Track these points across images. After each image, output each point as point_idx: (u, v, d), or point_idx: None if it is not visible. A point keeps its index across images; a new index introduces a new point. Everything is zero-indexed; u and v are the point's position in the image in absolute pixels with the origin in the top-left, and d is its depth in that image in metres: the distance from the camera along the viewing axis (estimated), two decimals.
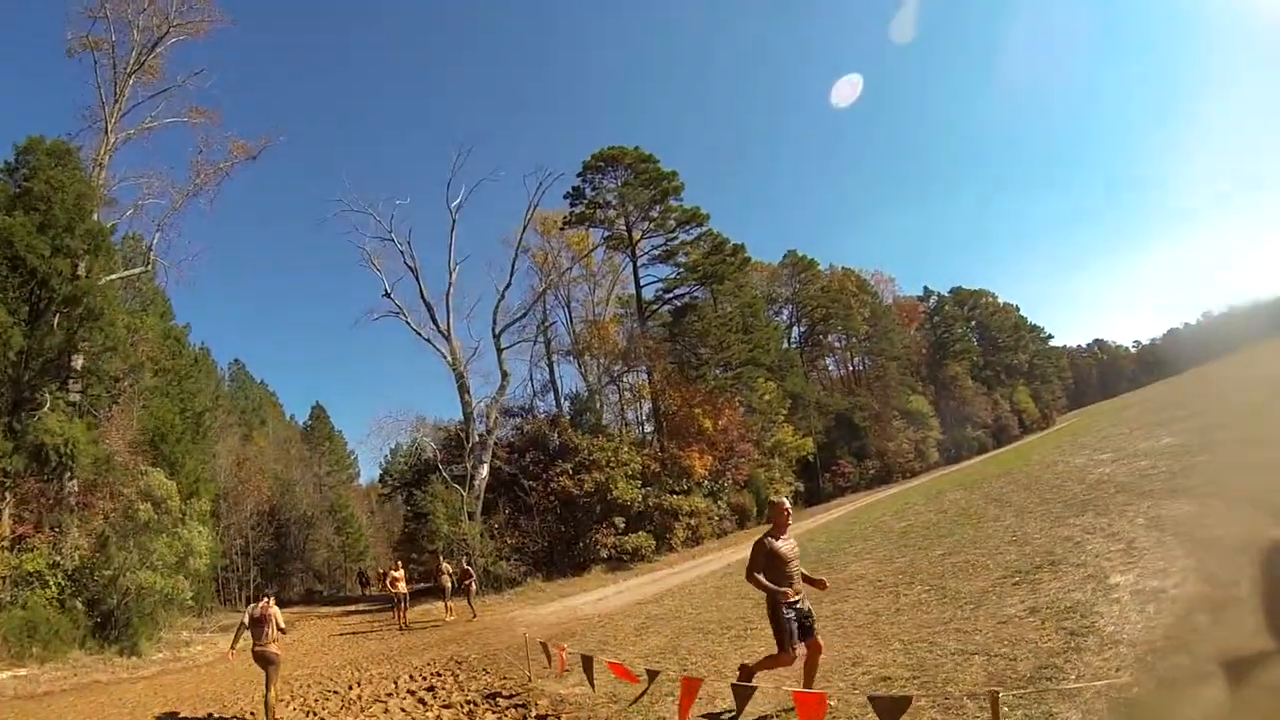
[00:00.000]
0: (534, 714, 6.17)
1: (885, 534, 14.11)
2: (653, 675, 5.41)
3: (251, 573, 25.42)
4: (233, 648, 7.51)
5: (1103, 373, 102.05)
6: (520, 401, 26.88)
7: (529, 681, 7.54)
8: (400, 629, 15.16)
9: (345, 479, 45.19)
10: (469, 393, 24.05)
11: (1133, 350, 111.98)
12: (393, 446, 29.58)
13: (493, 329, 25.13)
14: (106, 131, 17.31)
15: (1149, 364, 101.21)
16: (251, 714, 7.68)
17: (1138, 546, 6.99)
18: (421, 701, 7.37)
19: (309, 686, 9.12)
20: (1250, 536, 4.60)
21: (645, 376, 27.85)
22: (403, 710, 7.12)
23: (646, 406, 29.06)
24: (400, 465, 49.41)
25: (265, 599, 7.21)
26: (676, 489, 23.92)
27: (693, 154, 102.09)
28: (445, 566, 16.46)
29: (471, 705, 6.93)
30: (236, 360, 39.23)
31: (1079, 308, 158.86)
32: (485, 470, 22.91)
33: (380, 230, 24.87)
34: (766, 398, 31.36)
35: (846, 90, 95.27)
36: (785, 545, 4.62)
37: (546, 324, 27.65)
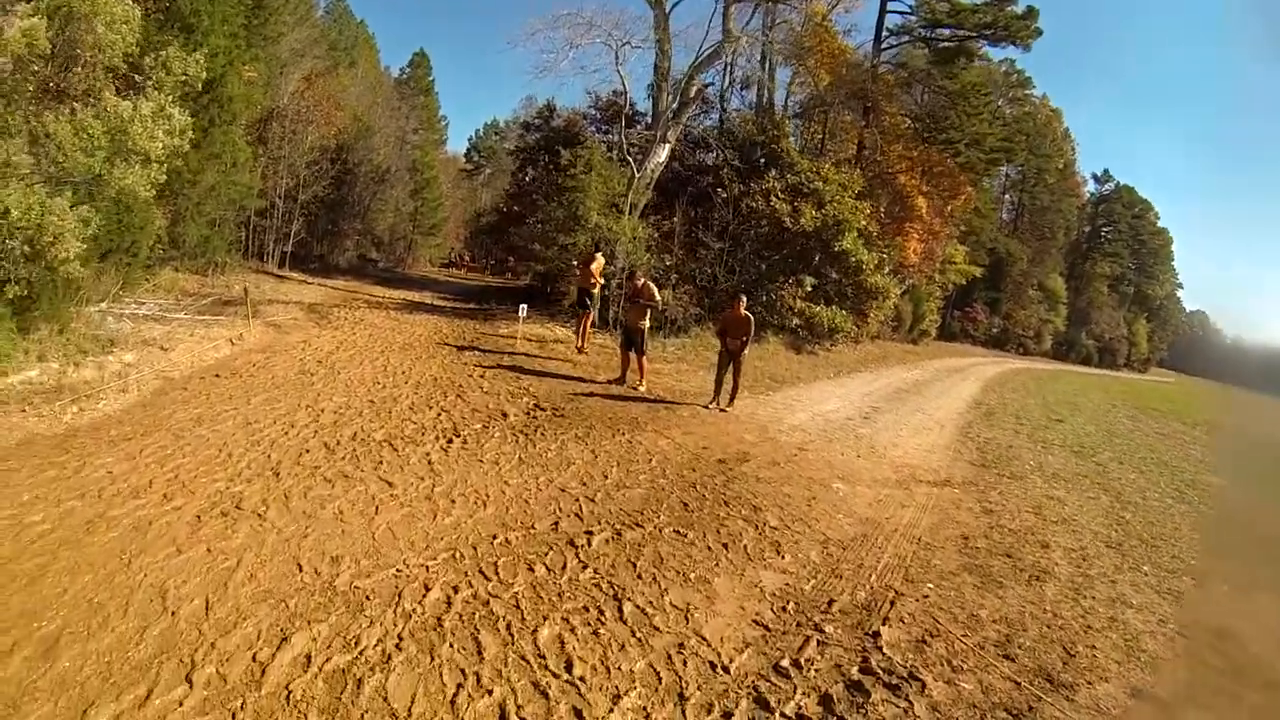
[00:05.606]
0: None
1: None
2: None
3: (295, 224, 19.81)
4: None
5: (1188, 344, 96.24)
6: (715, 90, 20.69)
7: None
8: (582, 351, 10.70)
9: (433, 140, 40.47)
10: (669, 42, 17.00)
11: (1227, 340, 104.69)
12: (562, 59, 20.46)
13: None
14: None
15: (1229, 360, 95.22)
16: None
17: None
18: None
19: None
20: None
21: (861, 117, 21.71)
22: None
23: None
24: (495, 141, 43.79)
25: None
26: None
27: None
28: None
29: None
30: None
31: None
32: (664, 154, 17.18)
33: None
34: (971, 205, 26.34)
35: None
36: None
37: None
